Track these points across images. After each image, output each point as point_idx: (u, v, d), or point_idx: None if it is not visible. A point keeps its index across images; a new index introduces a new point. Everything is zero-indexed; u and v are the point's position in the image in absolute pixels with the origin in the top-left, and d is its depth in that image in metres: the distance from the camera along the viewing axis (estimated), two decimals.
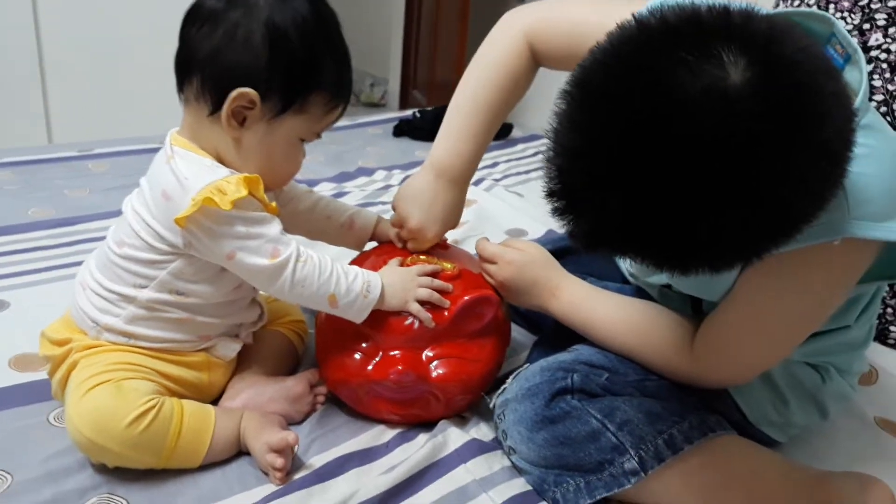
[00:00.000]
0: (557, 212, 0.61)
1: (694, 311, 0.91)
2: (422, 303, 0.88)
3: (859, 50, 0.70)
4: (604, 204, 0.58)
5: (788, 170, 0.54)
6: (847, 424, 1.01)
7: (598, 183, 0.57)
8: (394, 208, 0.99)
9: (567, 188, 0.60)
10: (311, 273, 0.82)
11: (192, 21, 0.80)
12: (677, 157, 0.54)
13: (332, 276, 0.84)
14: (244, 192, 0.78)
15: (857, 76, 0.70)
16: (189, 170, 0.79)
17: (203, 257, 0.82)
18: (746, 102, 0.52)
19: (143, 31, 2.45)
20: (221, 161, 0.83)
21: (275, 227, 0.82)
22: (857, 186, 0.66)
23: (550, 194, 0.61)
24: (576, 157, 0.59)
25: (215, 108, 0.80)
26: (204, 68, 0.79)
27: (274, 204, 0.84)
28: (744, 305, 0.78)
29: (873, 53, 1.14)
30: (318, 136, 0.88)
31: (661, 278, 0.93)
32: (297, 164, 0.88)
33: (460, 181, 0.98)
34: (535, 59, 0.97)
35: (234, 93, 0.78)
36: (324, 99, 0.83)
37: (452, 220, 1.00)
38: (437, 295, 0.89)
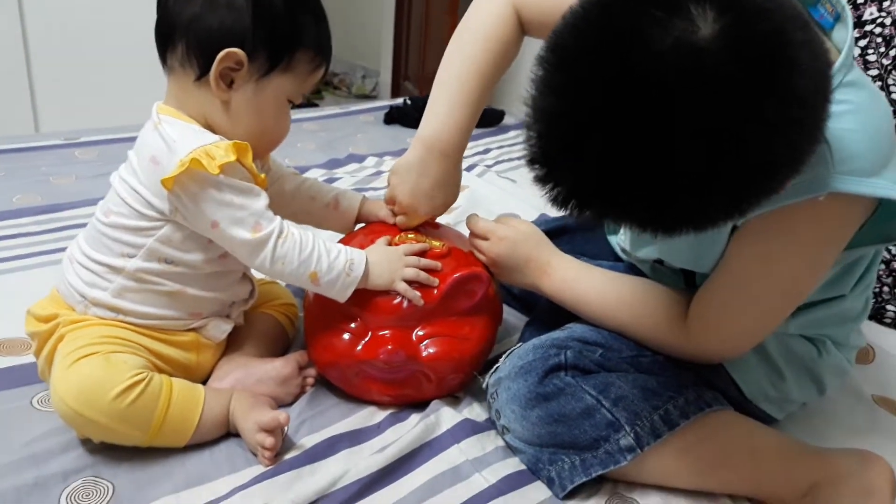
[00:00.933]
0: (538, 179, 0.61)
1: (687, 285, 0.89)
2: (409, 282, 0.87)
3: (847, 9, 0.70)
4: (581, 165, 0.57)
5: (760, 116, 0.53)
6: (844, 402, 1.00)
7: (575, 143, 0.57)
8: (388, 184, 0.97)
9: (545, 153, 0.60)
10: (291, 249, 0.81)
11: None
12: (650, 111, 0.53)
13: (314, 253, 0.82)
14: (232, 158, 0.77)
15: (844, 35, 0.70)
16: (177, 133, 0.79)
17: (188, 225, 0.81)
18: (716, 53, 0.52)
19: (130, 19, 2.42)
20: (210, 127, 0.82)
21: (260, 201, 0.80)
22: (841, 142, 0.66)
23: (531, 161, 0.61)
24: (552, 119, 0.59)
25: (202, 73, 0.79)
26: (188, 33, 0.78)
27: (263, 175, 0.82)
28: (734, 273, 0.77)
29: (868, 28, 1.13)
30: (304, 97, 0.87)
31: (651, 251, 0.92)
32: (286, 126, 0.88)
33: (452, 153, 0.94)
34: (522, 28, 0.94)
35: (222, 54, 0.77)
36: (308, 56, 0.83)
37: (446, 194, 0.96)
38: (424, 274, 0.87)
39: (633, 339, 0.87)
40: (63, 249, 1.22)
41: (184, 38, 0.78)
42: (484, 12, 0.94)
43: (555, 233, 1.08)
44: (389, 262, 0.87)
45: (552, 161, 0.60)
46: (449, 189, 0.97)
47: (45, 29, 2.34)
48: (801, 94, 0.55)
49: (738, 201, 0.58)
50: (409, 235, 0.95)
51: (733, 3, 0.54)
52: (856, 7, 1.14)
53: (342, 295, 0.85)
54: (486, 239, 0.95)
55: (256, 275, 0.90)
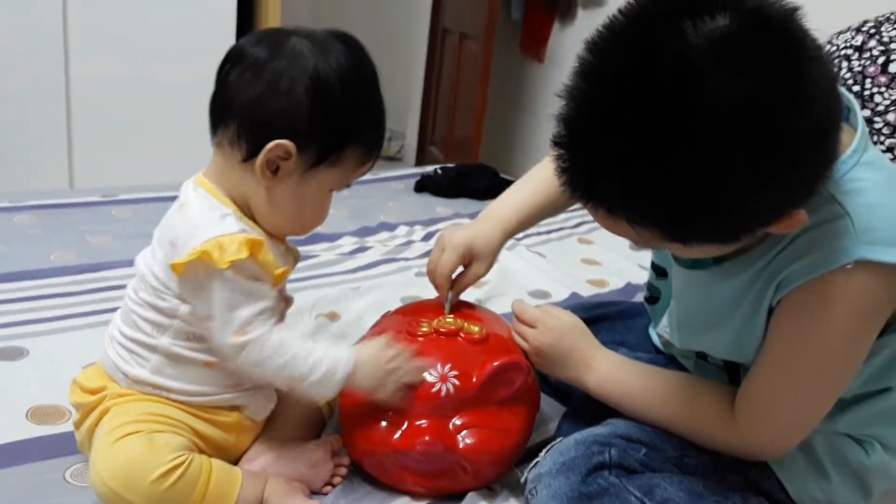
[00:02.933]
0: (560, 159, 0.65)
1: (730, 381, 0.88)
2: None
3: (853, 99, 0.76)
4: (604, 148, 0.62)
5: (797, 89, 0.59)
6: None
7: (600, 127, 0.61)
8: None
9: (570, 135, 0.64)
10: (273, 353, 0.79)
11: (233, 65, 0.79)
12: (674, 102, 0.58)
13: (297, 357, 0.80)
14: (244, 255, 0.76)
15: (856, 120, 0.75)
16: (200, 217, 0.79)
17: (193, 311, 0.80)
18: (742, 37, 0.58)
19: (172, 77, 2.50)
20: (247, 207, 0.82)
21: (258, 305, 0.79)
22: (863, 215, 0.69)
23: (556, 144, 0.65)
24: (581, 103, 0.63)
25: (249, 156, 0.79)
26: (243, 115, 0.78)
27: (283, 270, 0.82)
28: (773, 357, 0.77)
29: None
30: (348, 186, 0.87)
31: (694, 342, 0.90)
32: (324, 214, 0.88)
33: (496, 220, 1.02)
34: None
35: (272, 144, 0.77)
36: (358, 153, 0.83)
37: (473, 247, 0.99)
38: (410, 377, 0.85)
39: (680, 435, 0.85)
40: (99, 312, 1.25)
41: (237, 119, 0.78)
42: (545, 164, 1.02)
43: (594, 320, 1.07)
44: (378, 366, 0.83)
45: (575, 143, 0.64)
46: (477, 241, 1.00)
47: (88, 82, 2.40)
48: (814, 92, 0.60)
49: (759, 198, 0.61)
50: (448, 319, 0.95)
51: (754, 12, 0.60)
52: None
53: (327, 395, 0.84)
54: (532, 327, 0.94)
55: None
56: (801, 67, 0.60)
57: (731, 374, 0.89)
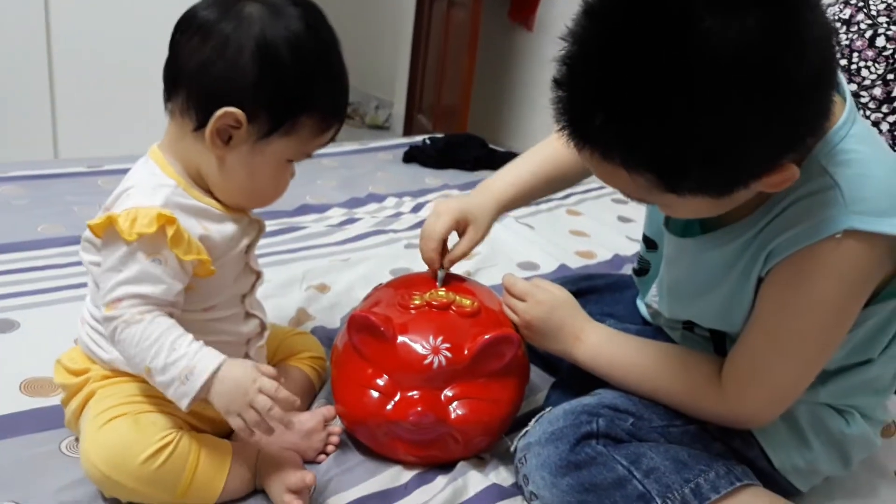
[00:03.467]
0: (559, 101, 0.67)
1: (716, 352, 0.90)
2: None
3: (840, 74, 0.77)
4: (601, 85, 0.63)
5: (793, 32, 0.60)
6: (866, 477, 1.00)
7: (598, 64, 0.63)
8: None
9: (570, 73, 0.65)
10: (129, 337, 0.74)
11: (183, 30, 0.77)
12: (671, 42, 0.59)
13: (152, 348, 0.73)
14: (152, 229, 0.73)
15: (843, 90, 0.76)
16: (133, 185, 0.78)
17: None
18: None
19: (155, 47, 2.45)
20: (200, 177, 0.80)
21: (141, 287, 0.74)
22: (852, 185, 0.70)
23: (556, 84, 0.67)
24: (582, 41, 0.65)
25: (200, 125, 0.76)
26: (191, 83, 0.76)
27: (198, 257, 0.76)
28: (761, 326, 0.78)
29: None
30: (309, 156, 0.84)
31: (682, 312, 0.92)
32: (283, 186, 0.85)
33: (492, 191, 1.03)
34: None
35: (220, 112, 0.75)
36: (314, 121, 0.79)
37: (468, 213, 1.00)
38: (274, 412, 0.73)
39: (668, 405, 0.87)
40: (87, 285, 1.24)
41: (186, 87, 0.76)
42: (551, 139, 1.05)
43: (583, 293, 1.09)
44: (237, 389, 0.73)
45: (573, 77, 0.65)
46: (470, 208, 1.00)
47: (70, 52, 2.37)
48: (813, 38, 0.61)
49: (751, 133, 0.61)
50: (440, 292, 0.95)
51: None
52: (885, 83, 1.17)
53: (179, 403, 0.74)
54: (522, 300, 0.95)
55: (283, 319, 0.89)
56: (799, 13, 0.60)
57: (717, 346, 0.91)
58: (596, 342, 0.92)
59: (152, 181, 0.78)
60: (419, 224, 1.70)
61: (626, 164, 0.65)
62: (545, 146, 1.05)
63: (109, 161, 1.86)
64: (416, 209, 1.82)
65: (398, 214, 1.77)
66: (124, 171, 1.76)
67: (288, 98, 0.77)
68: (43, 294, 1.21)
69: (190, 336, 0.75)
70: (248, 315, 0.89)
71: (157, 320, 0.74)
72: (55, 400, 0.93)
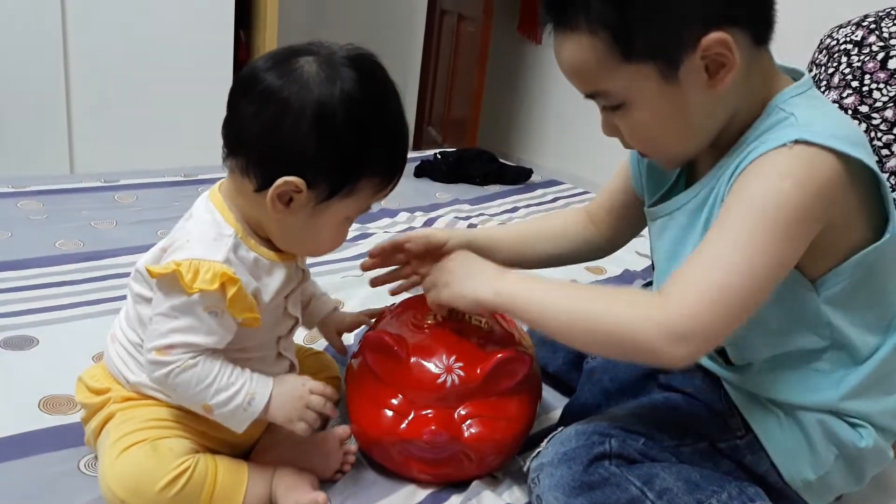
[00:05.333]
0: None
1: (725, 363, 0.90)
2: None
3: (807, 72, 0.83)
4: None
5: None
6: (880, 499, 1.00)
7: None
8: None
9: None
10: (186, 381, 0.77)
11: (244, 92, 0.76)
12: None
13: (211, 388, 0.78)
14: (214, 286, 0.74)
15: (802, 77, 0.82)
16: (196, 232, 0.78)
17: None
18: None
19: (171, 63, 2.49)
20: (261, 228, 0.81)
21: (196, 337, 0.76)
22: (807, 115, 0.75)
23: None
24: None
25: (261, 188, 0.77)
26: (251, 148, 0.76)
27: (251, 316, 0.78)
28: (708, 232, 0.76)
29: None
30: (369, 210, 0.85)
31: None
32: (340, 241, 0.85)
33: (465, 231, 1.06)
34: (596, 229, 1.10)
35: (281, 181, 0.75)
36: (374, 182, 0.80)
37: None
38: (328, 408, 0.84)
39: (608, 328, 0.76)
40: (105, 300, 1.26)
41: (247, 152, 0.77)
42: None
43: None
44: (293, 400, 0.82)
45: None
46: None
47: (86, 67, 2.40)
48: None
49: None
50: (451, 312, 0.96)
51: None
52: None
53: (239, 427, 0.81)
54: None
55: (297, 336, 0.90)
56: None
57: (725, 360, 0.90)
58: (521, 276, 0.88)
59: (214, 230, 0.79)
60: None
61: (588, 20, 0.74)
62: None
63: (125, 176, 1.88)
64: (428, 224, 1.83)
65: (410, 229, 1.78)
66: (140, 187, 1.82)
67: (347, 164, 0.77)
68: (61, 311, 1.22)
69: (238, 368, 0.80)
70: (280, 356, 0.90)
71: (209, 362, 0.78)
72: (74, 418, 0.94)
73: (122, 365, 0.85)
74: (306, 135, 0.74)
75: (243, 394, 0.79)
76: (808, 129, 0.72)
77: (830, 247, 0.77)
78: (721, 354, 0.91)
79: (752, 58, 0.77)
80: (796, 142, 0.71)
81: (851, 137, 0.74)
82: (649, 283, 1.04)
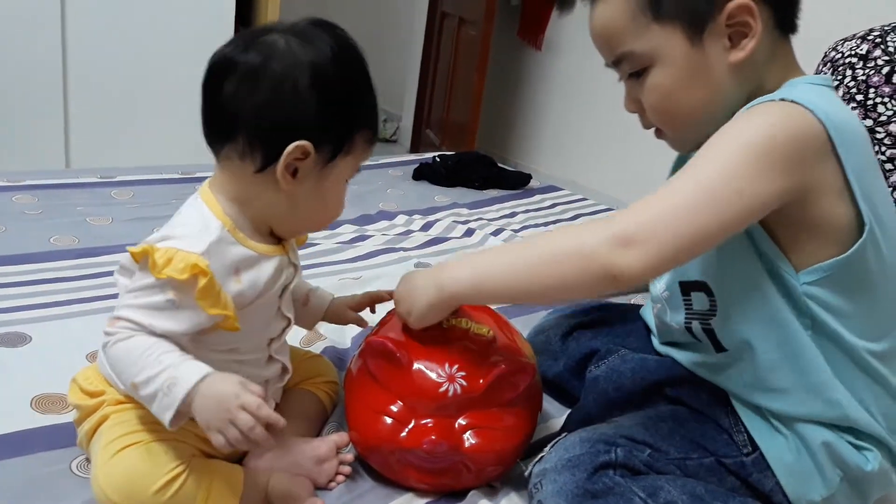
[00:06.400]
0: None
1: (717, 351, 0.89)
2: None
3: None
4: None
5: None
6: None
7: None
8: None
9: None
10: (117, 352, 0.74)
11: (223, 76, 0.76)
12: None
13: (138, 362, 0.73)
14: (184, 276, 0.72)
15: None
16: (181, 224, 0.78)
17: None
18: None
19: (169, 59, 2.47)
20: (265, 216, 0.81)
21: (149, 318, 0.74)
22: (804, 92, 0.75)
23: None
24: None
25: (265, 165, 0.77)
26: (251, 126, 0.76)
27: (226, 311, 0.75)
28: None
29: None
30: (359, 171, 0.86)
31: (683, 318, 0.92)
32: (343, 205, 0.86)
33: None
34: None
35: (291, 146, 0.75)
36: (365, 135, 0.82)
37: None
38: (257, 431, 0.71)
39: (564, 269, 0.76)
40: (99, 298, 1.24)
41: (245, 132, 0.76)
42: None
43: (595, 323, 1.08)
44: (218, 405, 0.71)
45: None
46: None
47: (84, 62, 2.38)
48: None
49: None
50: (456, 320, 0.95)
51: None
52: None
53: (163, 418, 0.72)
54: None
55: (293, 339, 0.88)
56: None
57: (716, 346, 0.89)
58: (463, 259, 0.88)
59: (199, 223, 0.78)
60: (429, 242, 1.70)
61: None
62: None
63: (122, 172, 1.86)
64: (426, 227, 1.82)
65: (408, 232, 1.77)
66: (137, 183, 1.80)
67: (345, 119, 0.79)
68: (54, 307, 1.20)
69: (178, 350, 0.74)
70: (271, 359, 0.89)
71: (143, 337, 0.74)
72: (67, 417, 0.93)
73: (114, 374, 0.82)
74: (306, 99, 0.76)
75: (165, 376, 0.71)
76: (800, 97, 0.74)
77: (813, 233, 0.77)
78: (712, 340, 0.90)
79: (774, 42, 0.80)
80: (783, 99, 0.74)
81: (846, 123, 0.75)
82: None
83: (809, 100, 0.74)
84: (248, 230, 0.81)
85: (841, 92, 1.23)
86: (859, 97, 1.20)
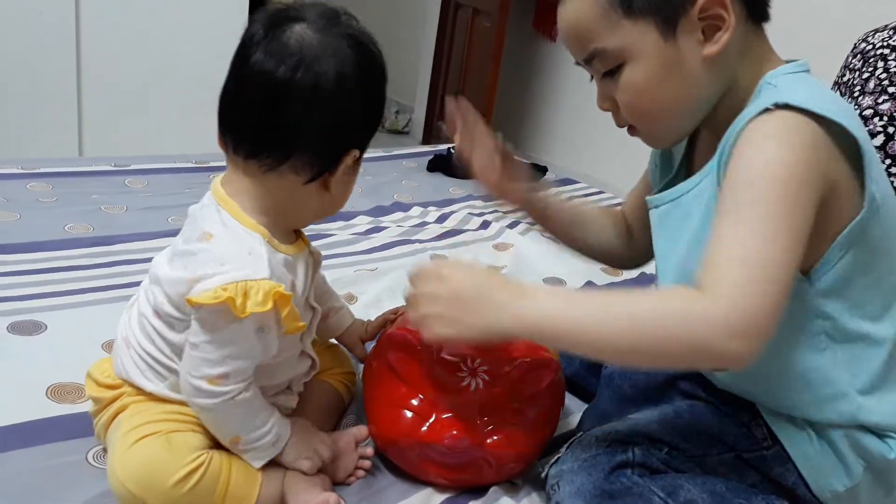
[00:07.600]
0: None
1: None
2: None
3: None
4: None
5: None
6: None
7: None
8: None
9: None
10: (235, 414, 0.77)
11: (274, 100, 0.73)
12: None
13: (249, 423, 0.78)
14: (268, 307, 0.72)
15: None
16: (227, 252, 0.74)
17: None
18: None
19: (183, 47, 2.46)
20: (278, 212, 0.79)
21: (245, 362, 0.75)
22: (789, 84, 0.75)
23: None
24: None
25: (319, 175, 0.77)
26: (309, 145, 0.75)
27: (301, 324, 0.78)
28: (721, 209, 0.72)
29: None
30: None
31: (675, 270, 0.88)
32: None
33: None
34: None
35: (349, 159, 0.78)
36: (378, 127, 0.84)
37: None
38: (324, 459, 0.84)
39: (654, 334, 0.70)
40: (114, 287, 1.23)
41: (307, 149, 0.75)
42: None
43: None
44: (307, 445, 0.83)
45: None
46: None
47: (98, 51, 2.37)
48: None
49: None
50: None
51: None
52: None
53: (256, 462, 0.80)
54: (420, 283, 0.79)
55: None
56: None
57: None
58: (549, 290, 0.84)
59: (244, 244, 0.75)
60: (444, 234, 1.69)
61: None
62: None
63: (136, 160, 1.85)
64: (441, 219, 1.80)
65: (423, 224, 1.75)
66: (151, 172, 1.79)
67: (378, 117, 0.82)
68: (69, 296, 1.20)
69: (269, 407, 0.81)
70: (303, 354, 0.88)
71: (253, 396, 0.78)
72: (82, 407, 0.92)
73: (138, 373, 0.81)
74: (355, 108, 0.77)
75: (272, 433, 0.80)
76: (789, 96, 0.71)
77: (819, 229, 0.73)
78: None
79: (748, 33, 0.78)
80: (776, 105, 0.71)
81: (836, 109, 0.72)
82: None
83: (797, 95, 0.72)
84: (280, 235, 0.80)
85: (872, 84, 1.20)
86: (891, 89, 1.16)
